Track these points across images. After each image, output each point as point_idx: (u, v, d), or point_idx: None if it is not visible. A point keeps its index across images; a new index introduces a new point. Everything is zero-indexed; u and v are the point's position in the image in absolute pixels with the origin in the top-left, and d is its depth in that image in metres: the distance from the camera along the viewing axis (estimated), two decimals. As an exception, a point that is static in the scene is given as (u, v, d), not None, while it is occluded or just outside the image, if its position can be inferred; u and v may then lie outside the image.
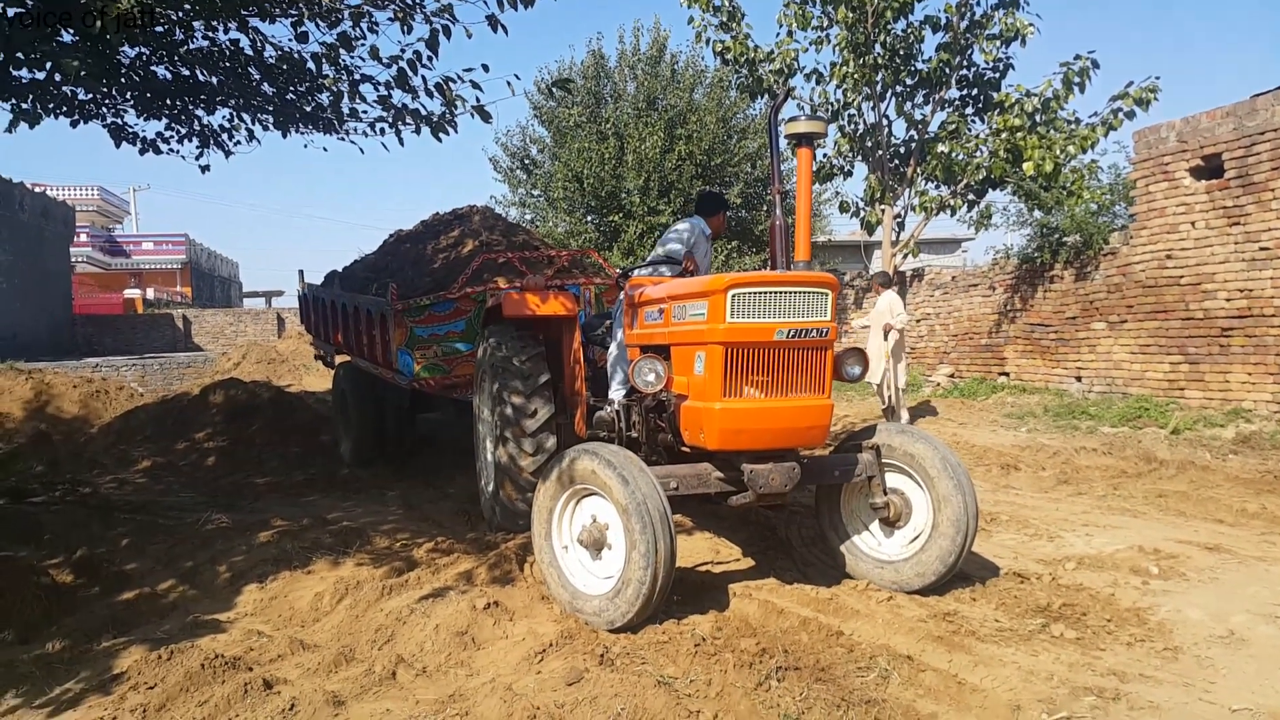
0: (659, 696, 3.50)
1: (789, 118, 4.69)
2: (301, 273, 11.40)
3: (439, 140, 5.87)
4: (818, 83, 12.60)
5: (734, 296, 4.24)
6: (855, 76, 11.89)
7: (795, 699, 3.50)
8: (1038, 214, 12.17)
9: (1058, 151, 10.94)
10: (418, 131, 5.97)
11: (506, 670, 3.91)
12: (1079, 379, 11.20)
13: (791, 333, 4.30)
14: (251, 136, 6.81)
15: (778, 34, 12.44)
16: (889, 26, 11.68)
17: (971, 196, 12.65)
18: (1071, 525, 5.99)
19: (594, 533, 4.32)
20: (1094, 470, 7.66)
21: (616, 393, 5.46)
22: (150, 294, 36.78)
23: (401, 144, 6.20)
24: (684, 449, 4.81)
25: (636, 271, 5.67)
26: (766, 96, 12.98)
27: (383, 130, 6.47)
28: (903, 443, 4.71)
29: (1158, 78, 10.80)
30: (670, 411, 4.69)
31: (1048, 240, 11.53)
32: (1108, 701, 3.55)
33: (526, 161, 22.59)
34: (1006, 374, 12.50)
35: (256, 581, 5.26)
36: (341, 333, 9.37)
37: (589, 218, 20.81)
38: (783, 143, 4.83)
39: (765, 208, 21.36)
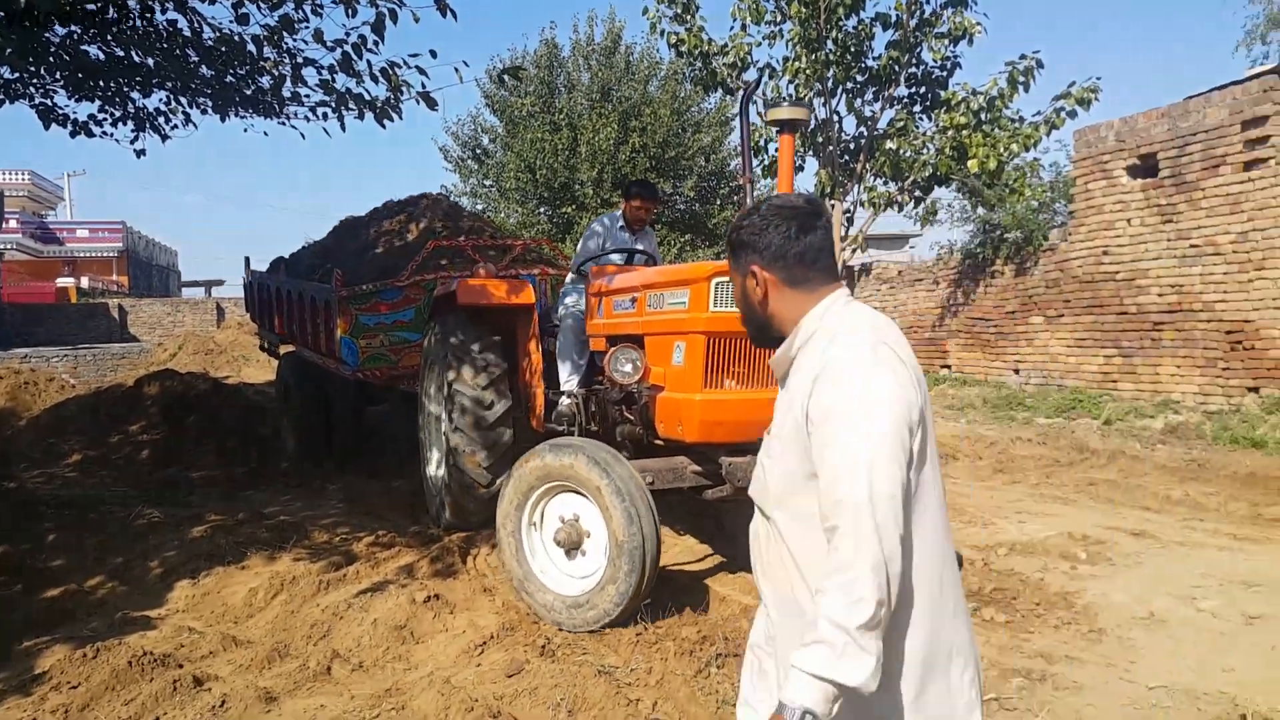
0: (599, 686, 3.53)
1: (794, 102, 4.62)
2: (247, 259, 10.99)
3: (383, 126, 5.79)
4: (770, 77, 12.66)
5: (717, 285, 4.14)
6: (807, 72, 11.95)
7: (734, 685, 3.53)
8: (981, 211, 12.39)
9: (1001, 149, 11.14)
10: (360, 117, 5.85)
11: (446, 663, 3.90)
12: (1017, 371, 11.46)
13: None
14: (188, 120, 6.63)
15: (732, 27, 12.46)
16: (840, 23, 11.76)
17: (918, 193, 12.83)
18: (1005, 513, 6.14)
19: (570, 532, 4.18)
20: (1028, 460, 7.85)
21: (569, 383, 5.36)
22: (84, 283, 35.73)
23: (344, 129, 6.10)
24: (657, 442, 4.68)
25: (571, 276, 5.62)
26: (720, 90, 13.02)
27: (325, 115, 6.35)
28: None
29: (1099, 78, 11.05)
30: (642, 403, 4.55)
31: (990, 236, 11.76)
32: (1034, 683, 3.65)
33: (478, 151, 22.35)
34: (949, 367, 12.74)
35: (189, 577, 5.16)
36: (286, 321, 9.19)
37: (541, 209, 20.69)
38: (762, 131, 4.80)
39: (719, 201, 21.46)
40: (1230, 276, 8.83)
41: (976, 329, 12.16)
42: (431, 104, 5.49)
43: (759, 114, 11.28)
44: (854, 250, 13.39)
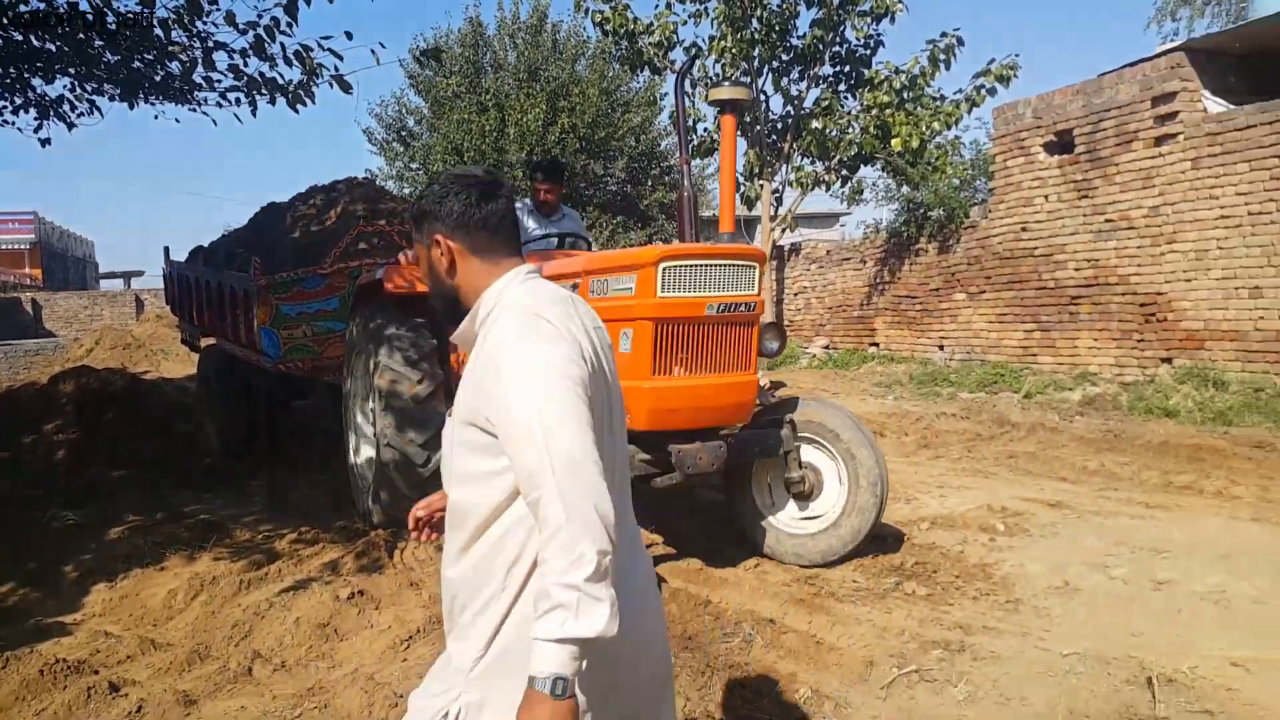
0: None
1: (720, 82, 4.61)
2: (167, 249, 10.58)
3: (295, 111, 5.67)
4: (697, 56, 12.64)
5: (665, 269, 4.03)
6: (733, 51, 11.97)
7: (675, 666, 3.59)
8: (905, 189, 12.59)
9: (924, 128, 11.31)
10: (273, 102, 5.70)
11: (371, 660, 3.85)
12: (941, 348, 11.70)
13: (721, 307, 4.15)
14: (94, 108, 6.36)
15: (657, 6, 12.43)
16: (765, 1, 11.79)
17: (845, 172, 12.98)
18: (928, 487, 6.27)
19: None
20: (951, 434, 8.03)
21: None
22: (-6, 277, 34.29)
23: (254, 115, 5.93)
24: None
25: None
26: (647, 70, 12.97)
27: (237, 100, 6.16)
28: (817, 415, 4.66)
29: (1017, 55, 11.28)
30: None
31: (913, 215, 11.95)
32: (953, 653, 3.73)
33: (403, 133, 21.95)
34: (877, 344, 12.95)
35: (106, 580, 5.02)
36: (205, 313, 8.90)
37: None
38: (691, 111, 4.78)
39: (650, 182, 21.42)
40: (1144, 250, 9.12)
41: (902, 306, 12.38)
42: (345, 87, 5.38)
43: (686, 94, 11.25)
44: (783, 229, 13.50)
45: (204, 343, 9.30)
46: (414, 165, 21.69)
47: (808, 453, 4.70)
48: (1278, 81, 8.46)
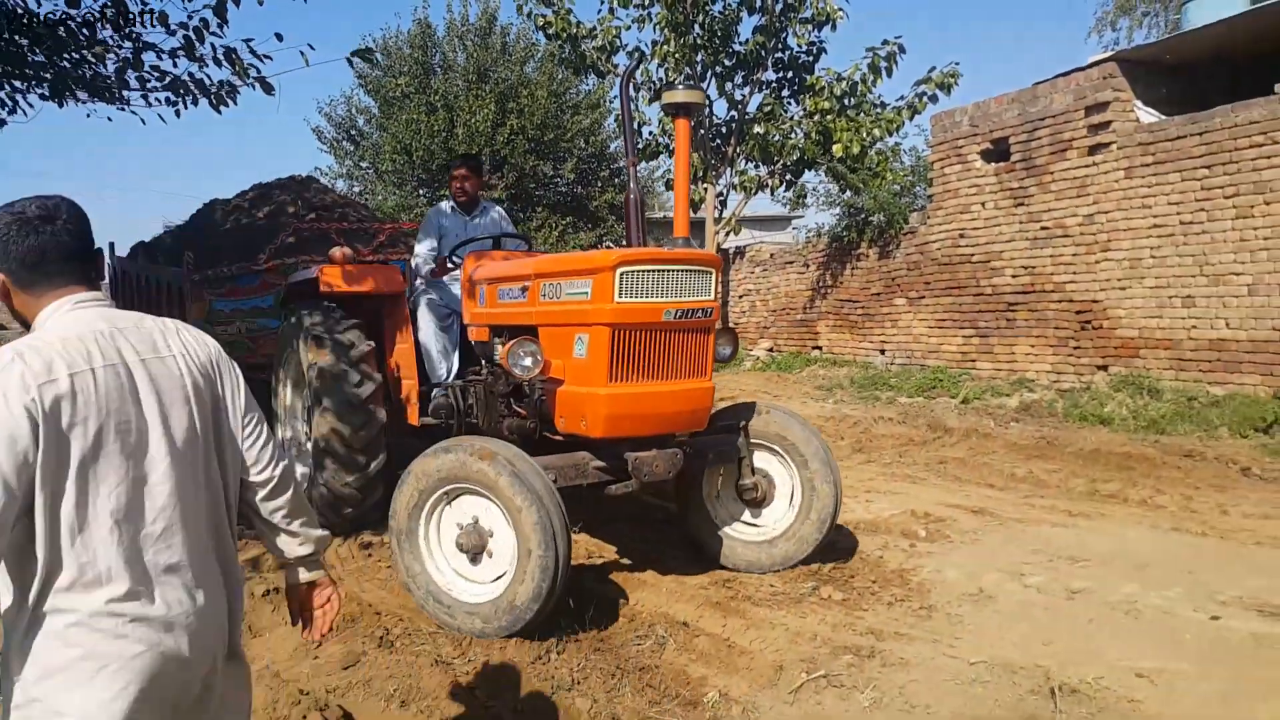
0: (434, 676, 3.51)
1: (665, 86, 4.56)
2: (111, 245, 10.46)
3: (219, 112, 5.54)
4: (641, 60, 12.59)
5: (622, 274, 3.92)
6: (676, 55, 11.94)
7: (571, 670, 3.55)
8: (847, 194, 12.65)
9: (864, 134, 11.35)
10: (195, 103, 5.57)
11: (282, 657, 3.76)
12: (883, 352, 11.73)
13: (679, 313, 4.05)
14: (15, 108, 6.14)
15: (600, 10, 12.35)
16: (707, 7, 11.79)
17: (790, 177, 13.00)
18: (856, 492, 6.21)
19: (474, 536, 3.86)
20: (886, 439, 8.01)
21: (439, 374, 5.22)
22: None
23: (179, 115, 5.82)
24: (556, 437, 4.47)
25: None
26: (591, 73, 12.89)
27: (162, 100, 6.01)
28: (769, 421, 4.61)
29: (957, 63, 11.37)
30: (537, 397, 4.32)
31: (854, 220, 11.98)
32: (863, 659, 3.68)
33: (353, 132, 21.67)
34: (819, 348, 12.96)
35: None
36: (144, 309, 8.75)
37: (420, 191, 20.19)
38: (638, 115, 4.69)
39: (599, 184, 21.34)
40: (1079, 258, 9.19)
41: (844, 310, 12.40)
42: (268, 89, 5.34)
43: (630, 97, 11.19)
44: (728, 233, 13.47)
45: None
46: (364, 164, 21.43)
47: (760, 459, 4.64)
48: (1206, 93, 8.59)
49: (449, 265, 5.38)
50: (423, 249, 5.71)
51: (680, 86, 4.27)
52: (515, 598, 3.67)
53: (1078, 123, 9.01)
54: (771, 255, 14.29)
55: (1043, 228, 9.51)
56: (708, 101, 12.61)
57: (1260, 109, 7.50)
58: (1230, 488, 6.12)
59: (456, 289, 5.43)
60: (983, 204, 10.15)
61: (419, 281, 5.64)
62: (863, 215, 11.81)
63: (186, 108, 5.72)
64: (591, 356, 4.04)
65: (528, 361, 4.14)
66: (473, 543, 3.85)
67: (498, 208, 6.00)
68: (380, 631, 3.90)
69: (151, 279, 8.20)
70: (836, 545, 5.01)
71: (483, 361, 4.98)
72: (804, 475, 4.53)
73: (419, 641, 3.85)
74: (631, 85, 4.84)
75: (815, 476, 4.50)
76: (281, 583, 4.40)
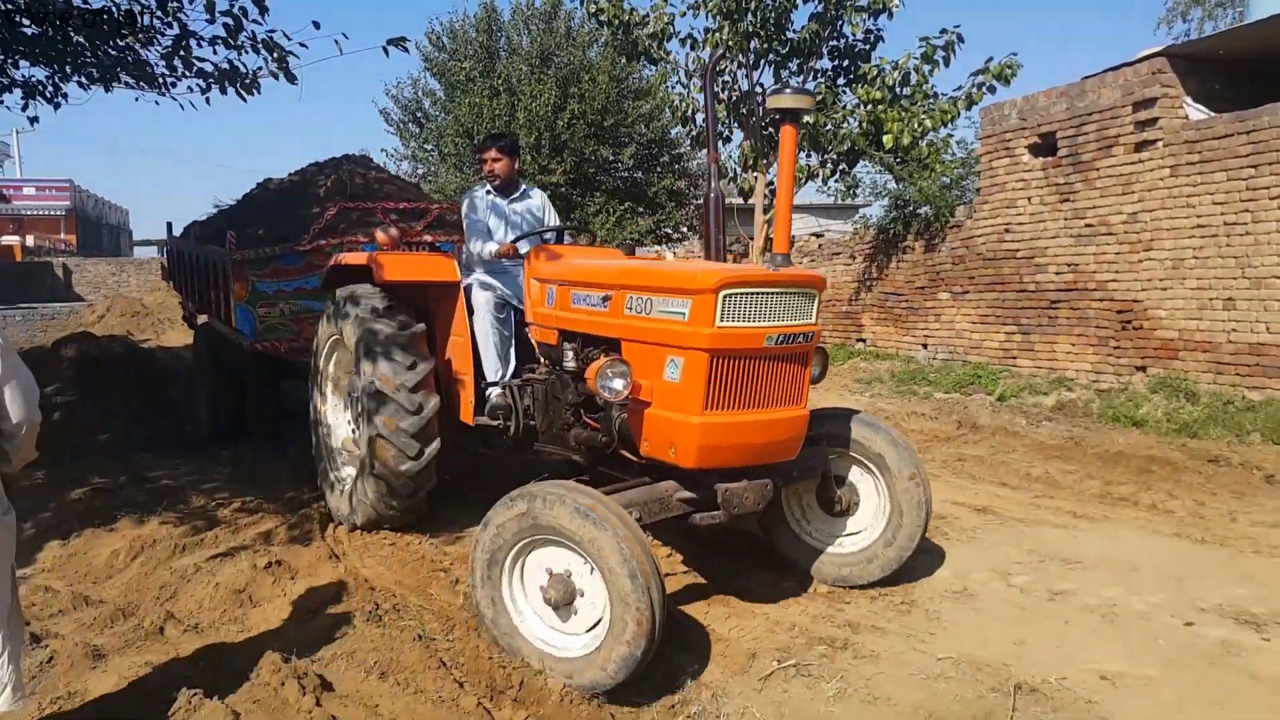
0: (414, 651, 3.70)
1: (772, 90, 4.25)
2: (169, 225, 10.69)
3: (244, 100, 5.80)
4: (692, 48, 12.67)
5: (725, 297, 3.64)
6: (729, 43, 11.97)
7: None
8: (893, 186, 12.56)
9: (915, 125, 11.26)
10: (225, 91, 5.85)
11: (276, 627, 4.03)
12: (925, 346, 11.69)
13: (780, 338, 3.77)
14: (59, 92, 6.51)
15: (653, -3, 12.41)
16: (761, -5, 11.76)
17: (844, 166, 12.94)
18: (866, 488, 6.31)
19: (561, 588, 3.49)
20: (914, 434, 8.05)
21: (496, 373, 5.00)
22: (30, 241, 35.08)
23: (209, 103, 6.08)
24: (635, 459, 4.16)
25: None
26: (643, 60, 12.99)
27: (193, 89, 6.25)
28: (850, 430, 4.41)
29: (1015, 54, 11.18)
30: (618, 416, 4.07)
31: (902, 212, 11.92)
32: (836, 650, 3.83)
33: (419, 115, 22.15)
34: (864, 340, 12.95)
35: (60, 539, 5.29)
36: (193, 289, 8.88)
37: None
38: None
39: (659, 169, 21.44)
40: (1121, 256, 9.06)
41: (889, 303, 12.37)
42: (291, 79, 5.52)
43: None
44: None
45: (200, 320, 9.15)
46: (428, 146, 21.90)
47: (842, 467, 4.50)
48: (1264, 89, 8.35)
49: (516, 251, 5.04)
50: (476, 231, 5.31)
51: (788, 91, 3.83)
52: (612, 653, 3.32)
53: (1125, 119, 8.84)
54: (819, 246, 14.29)
55: (1087, 225, 9.39)
56: (759, 89, 12.63)
57: (1310, 109, 7.32)
58: (1249, 495, 6.07)
59: (515, 278, 5.21)
60: (1028, 199, 10.03)
61: (478, 270, 5.30)
62: (910, 207, 11.75)
63: (224, 93, 5.89)
64: (685, 382, 3.76)
65: (618, 384, 3.83)
66: (561, 595, 3.50)
67: (537, 190, 5.73)
68: (371, 606, 4.12)
69: (201, 259, 8.14)
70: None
71: (542, 361, 4.81)
72: (892, 488, 4.34)
73: (406, 617, 4.07)
74: (715, 78, 4.57)
75: (904, 492, 4.31)
76: (288, 555, 4.77)
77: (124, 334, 15.59)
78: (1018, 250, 10.19)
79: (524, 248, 5.01)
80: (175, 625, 4.07)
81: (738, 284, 3.67)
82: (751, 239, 13.00)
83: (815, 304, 3.93)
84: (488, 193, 5.41)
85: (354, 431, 5.33)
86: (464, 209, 5.45)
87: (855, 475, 4.52)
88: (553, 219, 5.62)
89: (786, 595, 4.43)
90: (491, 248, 5.08)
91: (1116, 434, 7.87)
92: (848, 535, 4.53)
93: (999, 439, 7.77)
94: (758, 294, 3.71)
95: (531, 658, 3.55)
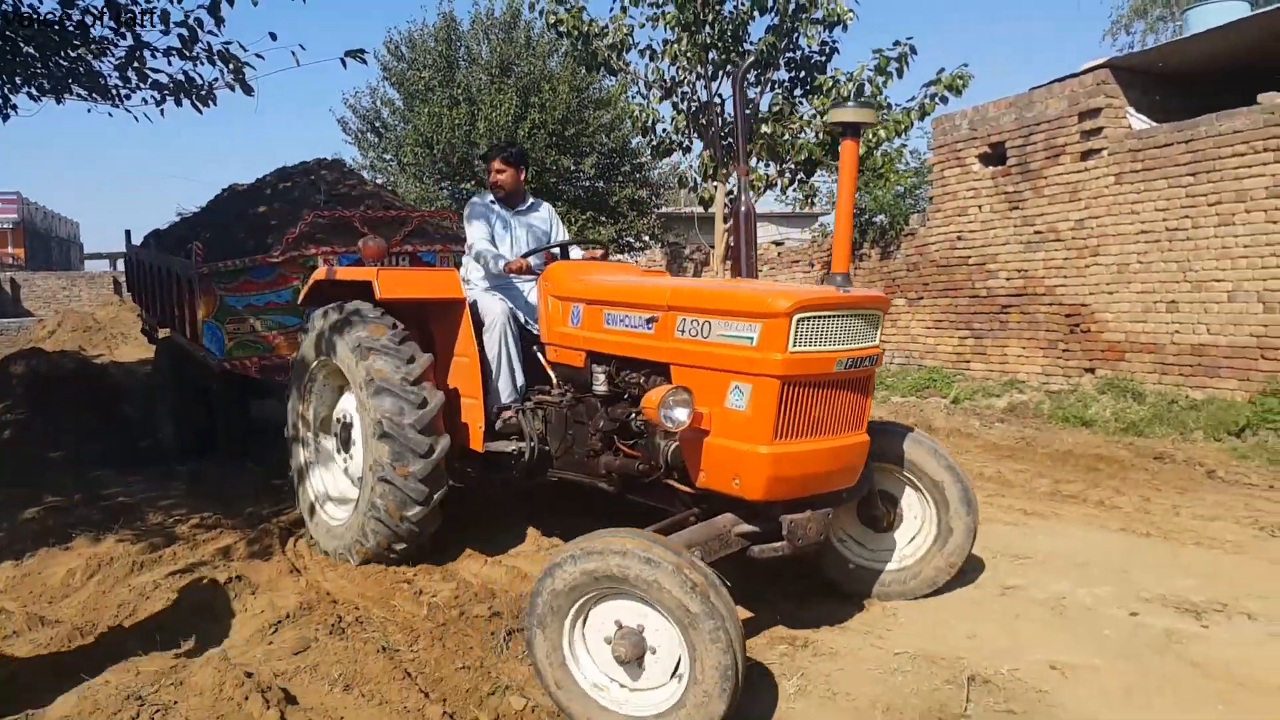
0: (379, 662, 3.69)
1: (832, 104, 3.99)
2: (128, 233, 10.20)
3: (200, 112, 5.78)
4: (651, 59, 12.77)
5: (800, 321, 3.43)
6: (688, 55, 12.09)
7: (520, 659, 3.74)
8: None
9: (870, 135, 11.45)
10: (180, 103, 5.82)
11: (238, 642, 4.01)
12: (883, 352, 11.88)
13: (848, 362, 3.59)
14: (7, 104, 6.43)
15: (612, 8, 12.52)
16: (718, 7, 11.91)
17: (801, 175, 13.12)
18: (823, 491, 6.41)
19: (630, 644, 3.12)
20: (872, 438, 8.18)
21: (505, 396, 4.75)
22: (-25, 255, 34.37)
23: (163, 114, 6.06)
24: (686, 489, 3.90)
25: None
26: (602, 71, 13.07)
27: (148, 100, 6.22)
28: (895, 445, 4.28)
29: (966, 65, 11.43)
30: (665, 444, 3.87)
31: (857, 220, 12.12)
32: (797, 649, 3.89)
33: (377, 124, 22.05)
34: (823, 346, 13.11)
35: (13, 559, 5.20)
36: (154, 302, 8.45)
37: (442, 184, 20.53)
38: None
39: (620, 179, 21.53)
40: (1069, 262, 9.32)
41: (848, 310, 12.54)
42: (248, 90, 5.51)
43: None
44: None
45: (162, 334, 8.68)
46: (387, 156, 21.80)
47: (885, 483, 4.37)
48: (1202, 100, 8.65)
49: (529, 267, 4.79)
50: (480, 242, 5.03)
51: (850, 105, 3.38)
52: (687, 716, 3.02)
53: (1071, 128, 9.12)
54: (778, 254, 14.47)
55: (1036, 232, 9.64)
56: (718, 99, 12.76)
57: (1243, 118, 7.60)
58: (1192, 490, 6.27)
59: (522, 294, 5.02)
60: (979, 207, 10.28)
61: (482, 284, 5.09)
62: (865, 216, 11.97)
63: (179, 105, 5.86)
64: (754, 410, 3.53)
65: (681, 414, 3.55)
66: (630, 651, 3.14)
67: (545, 203, 5.52)
68: (334, 619, 4.09)
69: (163, 269, 7.76)
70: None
71: (556, 382, 4.60)
72: (939, 506, 4.26)
73: (370, 629, 4.06)
74: (743, 87, 4.27)
75: (952, 513, 4.23)
76: (249, 570, 4.74)
77: (76, 350, 15.33)
78: (970, 257, 10.42)
79: (535, 262, 4.82)
80: (135, 643, 4.03)
81: (811, 307, 3.47)
82: (712, 248, 13.12)
83: (880, 325, 3.80)
84: (492, 203, 5.21)
85: (344, 463, 5.04)
86: (465, 217, 5.24)
87: (895, 487, 4.39)
88: (561, 233, 5.45)
89: (750, 598, 4.49)
90: (501, 263, 4.84)
91: (1066, 434, 8.09)
92: (888, 551, 4.43)
93: (954, 440, 7.94)
94: (829, 317, 3.53)
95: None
